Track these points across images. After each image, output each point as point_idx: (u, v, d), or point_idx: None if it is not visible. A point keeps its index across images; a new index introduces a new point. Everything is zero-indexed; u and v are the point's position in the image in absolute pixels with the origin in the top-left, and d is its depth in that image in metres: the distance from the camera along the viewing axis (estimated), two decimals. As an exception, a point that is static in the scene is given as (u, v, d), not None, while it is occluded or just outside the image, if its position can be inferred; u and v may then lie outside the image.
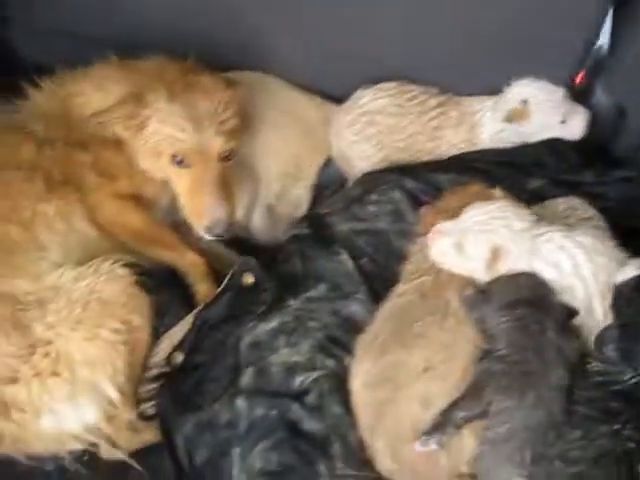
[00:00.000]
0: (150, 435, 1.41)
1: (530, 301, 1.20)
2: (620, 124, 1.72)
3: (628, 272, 1.22)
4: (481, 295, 1.23)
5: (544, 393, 1.12)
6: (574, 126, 1.67)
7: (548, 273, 1.26)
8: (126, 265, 1.47)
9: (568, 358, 1.16)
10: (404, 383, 1.17)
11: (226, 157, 1.56)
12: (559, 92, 1.65)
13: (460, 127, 1.72)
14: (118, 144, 1.58)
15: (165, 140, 1.52)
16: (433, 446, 1.12)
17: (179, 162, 1.53)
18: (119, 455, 1.38)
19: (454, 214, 1.32)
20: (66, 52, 1.74)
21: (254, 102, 1.71)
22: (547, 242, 1.27)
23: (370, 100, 1.73)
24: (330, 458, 1.23)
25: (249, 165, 1.75)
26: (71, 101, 1.62)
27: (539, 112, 1.64)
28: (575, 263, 1.25)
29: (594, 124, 1.68)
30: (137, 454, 1.39)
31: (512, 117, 1.64)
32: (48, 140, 1.56)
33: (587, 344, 1.21)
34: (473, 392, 1.14)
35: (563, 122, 1.65)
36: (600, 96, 1.71)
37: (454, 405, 1.14)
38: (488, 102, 1.71)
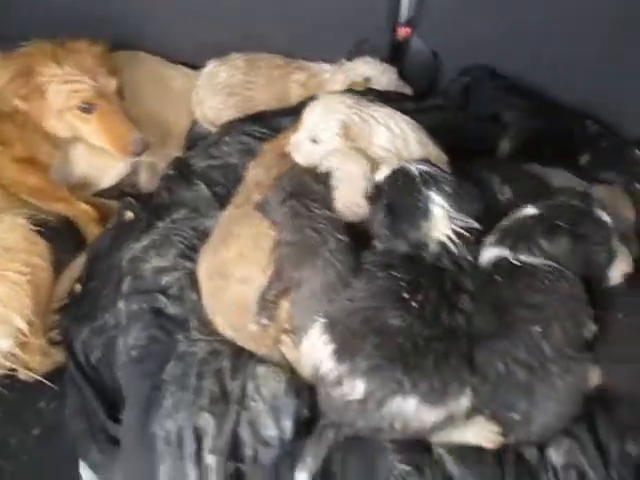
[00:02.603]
0: (60, 357, 1.65)
1: (294, 192, 1.41)
2: (435, 64, 2.07)
3: (384, 170, 1.39)
4: (265, 199, 1.46)
5: (328, 256, 1.34)
6: None
7: (382, 133, 1.46)
8: (25, 217, 1.68)
9: (339, 222, 1.39)
10: (229, 272, 1.45)
11: (120, 93, 1.85)
12: (393, 71, 2.05)
13: (305, 87, 2.10)
14: (12, 115, 1.81)
15: (69, 95, 1.78)
16: (265, 321, 1.39)
17: (86, 110, 1.81)
18: (34, 377, 1.61)
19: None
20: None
21: (130, 77, 1.99)
22: (377, 111, 1.49)
23: (228, 76, 2.10)
24: (187, 330, 1.49)
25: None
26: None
27: (378, 85, 2.01)
28: (402, 129, 1.48)
29: (415, 66, 2.05)
30: (50, 376, 1.63)
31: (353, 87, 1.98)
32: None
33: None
34: (275, 275, 1.39)
35: None
36: (417, 43, 2.06)
37: (266, 288, 1.40)
38: (332, 70, 2.09)
